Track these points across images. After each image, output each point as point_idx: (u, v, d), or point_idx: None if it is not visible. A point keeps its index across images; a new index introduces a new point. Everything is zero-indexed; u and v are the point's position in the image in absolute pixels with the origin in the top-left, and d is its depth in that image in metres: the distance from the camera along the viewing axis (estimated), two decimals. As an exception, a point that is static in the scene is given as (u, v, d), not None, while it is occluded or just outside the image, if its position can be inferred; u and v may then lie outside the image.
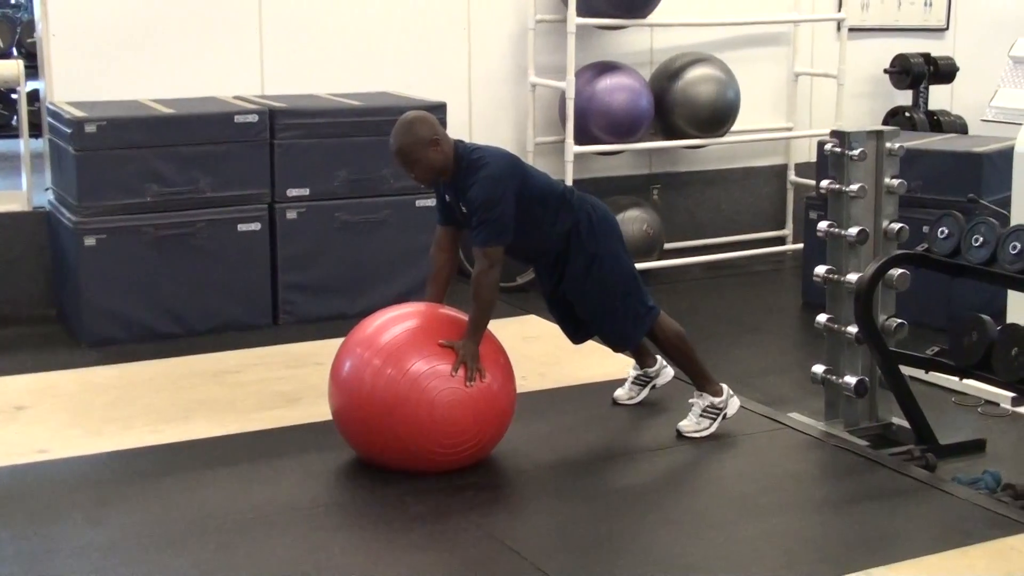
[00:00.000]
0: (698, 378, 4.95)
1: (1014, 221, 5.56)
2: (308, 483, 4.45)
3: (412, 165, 4.51)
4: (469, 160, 4.51)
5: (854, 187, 5.07)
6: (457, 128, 7.04)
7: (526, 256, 4.93)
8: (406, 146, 4.48)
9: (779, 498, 4.42)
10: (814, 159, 7.90)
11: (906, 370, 5.07)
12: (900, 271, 5.00)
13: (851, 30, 8.36)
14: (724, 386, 4.96)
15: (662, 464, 4.75)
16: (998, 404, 5.56)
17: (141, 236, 6.07)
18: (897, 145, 5.17)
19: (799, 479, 4.66)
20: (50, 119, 6.48)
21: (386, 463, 4.45)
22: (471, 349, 4.38)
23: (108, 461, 4.64)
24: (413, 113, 4.57)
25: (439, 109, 6.62)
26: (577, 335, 5.05)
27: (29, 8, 9.50)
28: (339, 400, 4.51)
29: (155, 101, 6.49)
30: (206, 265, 6.21)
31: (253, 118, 6.29)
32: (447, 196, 4.63)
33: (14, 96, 8.01)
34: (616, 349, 5.11)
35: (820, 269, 5.20)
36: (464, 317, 4.51)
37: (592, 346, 5.24)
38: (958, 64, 8.93)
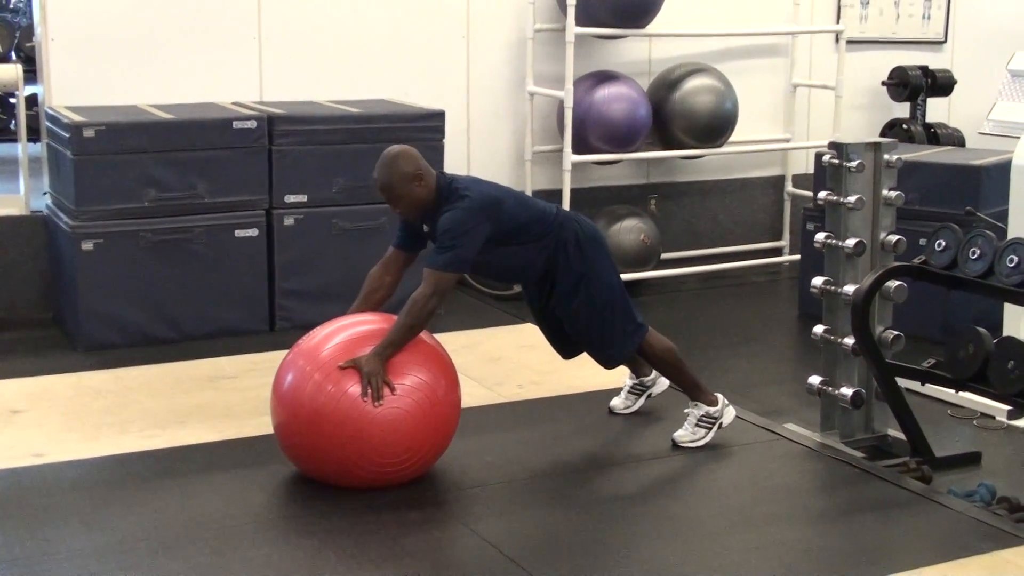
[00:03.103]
0: (692, 390, 4.95)
1: (1011, 234, 5.56)
2: (303, 489, 4.44)
3: (397, 201, 4.51)
4: (450, 190, 4.50)
5: (852, 199, 5.08)
6: (455, 137, 7.06)
7: (511, 276, 4.91)
8: (389, 183, 4.48)
9: (774, 509, 4.42)
10: (811, 171, 7.92)
11: (902, 382, 5.07)
12: (897, 283, 5.01)
13: (849, 42, 8.37)
14: (719, 396, 4.96)
15: (657, 473, 4.75)
16: (994, 417, 5.56)
17: (138, 241, 6.07)
18: (895, 157, 5.18)
19: (794, 490, 4.67)
20: (48, 123, 6.48)
21: (326, 479, 4.37)
22: (375, 365, 4.24)
23: (104, 465, 4.63)
24: (395, 148, 4.56)
25: (437, 117, 6.64)
26: (567, 351, 5.04)
27: (28, 12, 9.50)
28: (280, 414, 4.41)
29: (153, 106, 6.49)
30: (203, 271, 6.21)
31: (251, 124, 6.29)
32: (425, 226, 4.61)
33: (12, 100, 8.00)
34: (606, 366, 5.05)
35: (817, 280, 5.20)
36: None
37: (587, 356, 5.24)
38: (956, 77, 8.95)
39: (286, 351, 5.94)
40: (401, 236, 4.71)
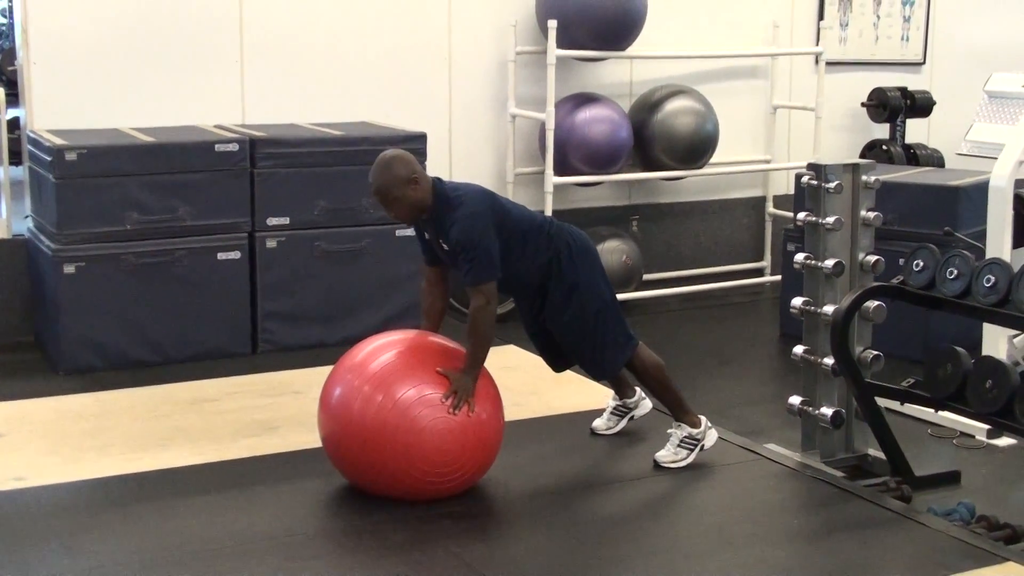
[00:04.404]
0: (676, 409, 4.96)
1: (989, 254, 5.60)
2: (285, 512, 4.45)
3: (391, 204, 4.53)
4: (447, 198, 4.53)
5: (830, 219, 5.11)
6: (437, 158, 7.07)
7: (507, 287, 4.94)
8: (384, 185, 4.50)
9: (755, 529, 4.44)
10: (792, 191, 7.95)
11: (882, 402, 5.09)
12: (876, 303, 5.04)
13: (829, 63, 8.43)
14: (703, 418, 4.97)
15: (639, 494, 4.76)
16: (973, 436, 5.60)
17: (120, 264, 6.07)
18: (873, 178, 5.22)
19: (775, 510, 4.68)
20: (30, 147, 6.48)
21: (373, 490, 4.46)
22: (467, 383, 4.39)
23: (85, 489, 4.63)
24: (391, 152, 4.58)
25: (419, 139, 6.66)
26: (558, 363, 5.07)
27: (10, 36, 9.51)
28: (328, 426, 4.51)
29: (136, 129, 6.50)
30: (185, 293, 6.21)
31: (234, 147, 6.30)
32: (426, 234, 4.65)
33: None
34: (596, 378, 5.12)
35: (797, 301, 5.23)
36: (454, 345, 4.53)
37: (570, 376, 5.26)
38: (935, 98, 9.02)
39: (269, 373, 5.99)
40: (426, 253, 4.77)
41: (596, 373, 5.06)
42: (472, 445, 4.44)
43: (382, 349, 4.52)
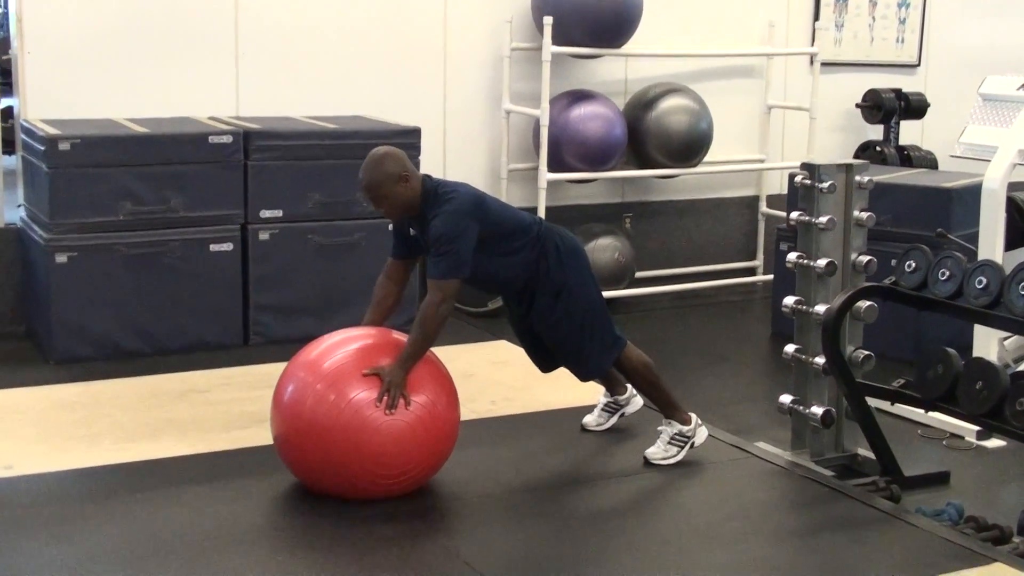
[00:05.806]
0: (666, 407, 4.97)
1: (981, 256, 5.61)
2: (275, 504, 4.45)
3: (381, 200, 4.52)
4: (436, 195, 4.52)
5: (823, 219, 5.12)
6: (431, 153, 7.07)
7: (494, 287, 4.94)
8: (375, 182, 4.49)
9: (744, 527, 4.44)
10: (786, 191, 7.96)
11: (872, 401, 5.10)
12: (868, 303, 5.04)
13: (824, 64, 8.44)
14: (693, 415, 4.98)
15: (629, 490, 4.77)
16: (963, 437, 5.60)
17: (113, 254, 6.07)
18: (866, 179, 5.23)
19: (765, 508, 4.69)
20: (24, 136, 6.47)
21: (325, 489, 4.40)
22: (398, 377, 4.30)
23: (74, 478, 4.62)
24: (383, 149, 4.58)
25: (413, 134, 6.66)
26: (546, 364, 5.06)
27: (4, 25, 9.49)
28: (280, 425, 4.44)
29: (129, 120, 6.49)
30: (177, 284, 6.21)
31: (227, 139, 6.30)
32: (412, 230, 4.64)
33: (-12, 112, 8.00)
34: (583, 379, 5.09)
35: (789, 300, 5.24)
36: None
37: (561, 372, 5.25)
38: (929, 100, 9.03)
39: (260, 365, 5.98)
40: (396, 246, 4.74)
41: (582, 374, 5.04)
42: (426, 444, 4.36)
43: (336, 346, 4.45)
